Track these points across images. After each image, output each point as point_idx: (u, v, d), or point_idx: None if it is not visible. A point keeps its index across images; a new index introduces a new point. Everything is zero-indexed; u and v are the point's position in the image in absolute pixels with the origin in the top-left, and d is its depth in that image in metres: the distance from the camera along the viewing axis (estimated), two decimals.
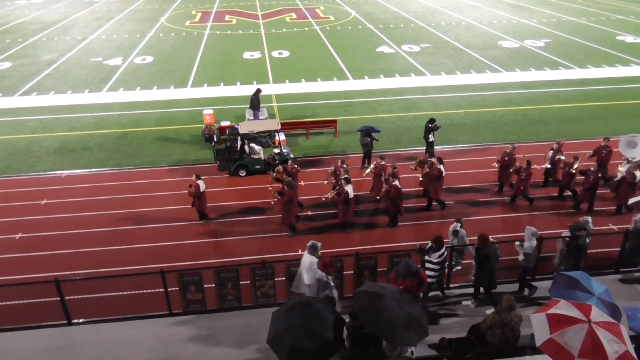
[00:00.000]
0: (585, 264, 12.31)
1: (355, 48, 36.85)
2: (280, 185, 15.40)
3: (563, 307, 8.02)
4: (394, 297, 8.44)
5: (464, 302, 12.00)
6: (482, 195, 17.48)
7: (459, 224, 12.88)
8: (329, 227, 15.80)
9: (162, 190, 17.78)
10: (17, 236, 15.58)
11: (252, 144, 19.51)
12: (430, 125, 19.51)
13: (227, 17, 49.42)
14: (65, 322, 11.61)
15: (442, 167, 15.96)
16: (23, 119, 24.79)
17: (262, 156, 19.26)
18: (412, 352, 9.36)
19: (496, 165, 17.23)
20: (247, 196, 17.59)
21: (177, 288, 11.62)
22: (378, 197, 16.62)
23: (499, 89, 28.17)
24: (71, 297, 11.57)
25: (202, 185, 15.38)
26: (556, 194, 17.19)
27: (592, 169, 15.87)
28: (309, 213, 16.47)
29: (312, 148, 21.42)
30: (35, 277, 13.27)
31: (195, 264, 13.53)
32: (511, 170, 16.76)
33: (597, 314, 7.83)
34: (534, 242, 11.74)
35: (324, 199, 15.85)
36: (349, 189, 14.87)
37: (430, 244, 11.55)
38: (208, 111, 21.88)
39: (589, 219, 12.99)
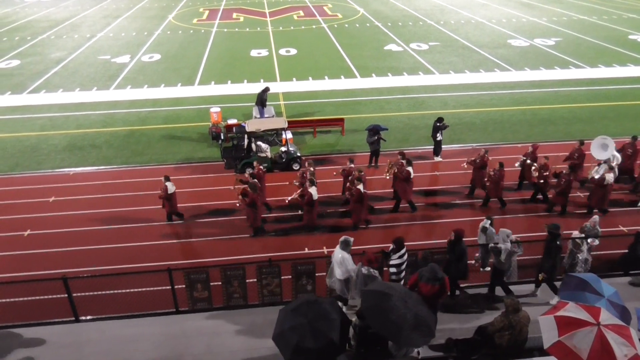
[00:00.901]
0: (559, 265, 12.12)
1: (363, 46, 36.75)
2: (244, 186, 15.18)
3: (572, 310, 7.94)
4: (401, 298, 8.38)
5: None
6: (456, 197, 17.38)
7: (489, 222, 12.81)
8: (294, 229, 15.68)
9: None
10: (26, 233, 15.66)
11: (259, 142, 19.50)
12: (438, 124, 19.41)
13: (234, 15, 49.44)
14: (73, 319, 11.64)
15: (411, 169, 15.80)
16: (32, 117, 24.91)
17: (269, 154, 19.24)
18: (418, 352, 9.32)
19: (465, 166, 17.08)
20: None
21: (184, 286, 11.62)
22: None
23: (508, 88, 27.98)
24: (79, 294, 11.60)
25: (170, 187, 15.31)
26: (529, 197, 17.09)
27: (564, 171, 15.68)
28: (299, 212, 16.36)
29: (319, 146, 21.37)
30: (43, 274, 13.34)
31: (202, 262, 13.56)
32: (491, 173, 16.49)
33: (607, 317, 7.74)
34: (509, 245, 11.60)
35: (287, 200, 15.82)
36: (313, 190, 14.75)
37: (392, 246, 11.42)
38: (215, 109, 21.89)
39: (597, 218, 12.87)
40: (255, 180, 15.39)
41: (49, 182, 18.59)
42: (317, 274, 11.94)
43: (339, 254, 11.03)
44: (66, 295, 11.29)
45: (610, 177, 15.31)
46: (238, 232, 15.53)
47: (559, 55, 33.73)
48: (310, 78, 30.04)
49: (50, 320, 11.70)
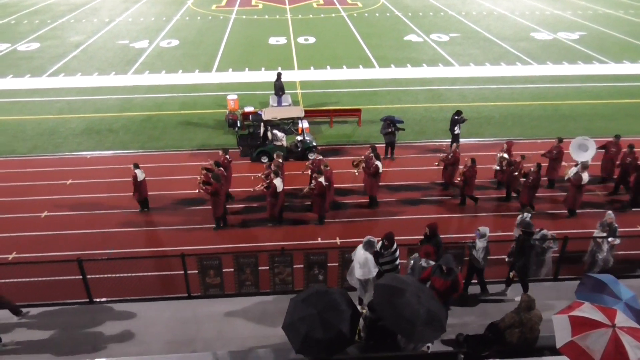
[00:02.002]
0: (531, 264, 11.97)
1: (383, 36, 36.39)
2: (207, 174, 14.98)
3: (587, 310, 7.80)
4: (414, 293, 8.30)
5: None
6: (428, 193, 17.13)
7: (529, 215, 12.67)
8: (257, 220, 15.58)
9: (184, 174, 17.84)
10: (43, 215, 15.85)
11: (275, 131, 19.45)
12: (456, 118, 19.17)
13: (253, 2, 49.25)
14: (87, 300, 11.77)
15: (379, 164, 15.59)
16: (50, 100, 25.15)
17: (284, 143, 19.19)
18: (428, 346, 9.24)
19: (437, 165, 16.82)
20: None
21: (197, 272, 11.68)
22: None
23: (529, 82, 27.52)
24: (93, 276, 11.72)
25: (139, 175, 15.29)
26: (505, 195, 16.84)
27: (532, 169, 15.32)
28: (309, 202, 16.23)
29: (335, 137, 21.27)
30: (59, 255, 13.49)
31: (215, 249, 13.60)
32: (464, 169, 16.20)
33: (623, 319, 7.59)
34: (485, 243, 11.42)
35: (252, 190, 15.62)
36: (277, 182, 14.56)
37: (382, 241, 11.25)
38: (232, 96, 21.88)
39: (612, 214, 12.61)
40: (221, 169, 15.22)
41: (66, 165, 18.78)
42: (329, 264, 11.92)
43: (362, 254, 10.72)
44: (81, 276, 11.42)
45: (585, 176, 14.99)
46: (252, 219, 15.56)
47: (582, 50, 33.07)
48: (328, 67, 29.86)
49: (65, 301, 11.85)
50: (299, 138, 19.29)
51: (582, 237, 13.30)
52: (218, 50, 33.31)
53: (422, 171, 18.24)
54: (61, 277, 12.07)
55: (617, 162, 16.85)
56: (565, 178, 15.43)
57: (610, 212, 12.70)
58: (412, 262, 11.11)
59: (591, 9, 45.65)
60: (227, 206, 15.72)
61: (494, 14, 43.50)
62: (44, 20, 41.31)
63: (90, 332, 10.85)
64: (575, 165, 15.26)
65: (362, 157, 16.31)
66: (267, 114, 18.73)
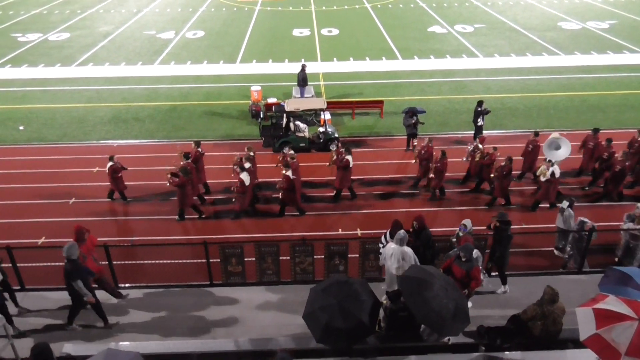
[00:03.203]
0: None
1: (406, 27, 36.06)
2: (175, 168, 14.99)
3: (612, 303, 7.68)
4: (442, 286, 8.26)
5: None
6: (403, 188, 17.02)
7: (568, 204, 12.64)
8: (224, 213, 15.63)
9: (208, 164, 18.03)
10: (71, 201, 16.25)
11: (298, 122, 19.54)
12: (479, 109, 18.95)
13: None
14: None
15: (349, 158, 15.43)
16: (79, 89, 25.65)
17: (307, 134, 19.26)
18: (449, 338, 9.24)
19: (415, 162, 16.62)
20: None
21: (219, 260, 11.85)
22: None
23: (556, 73, 27.01)
24: (118, 262, 12.00)
25: (115, 166, 15.43)
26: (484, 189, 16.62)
27: (503, 163, 15.08)
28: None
29: (357, 128, 21.25)
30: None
31: (237, 238, 13.78)
32: (431, 164, 16.09)
33: None
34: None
35: (277, 186, 15.38)
36: (244, 176, 14.49)
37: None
38: (256, 87, 22.01)
39: None
40: (189, 161, 15.25)
41: (93, 153, 19.18)
42: (349, 255, 11.98)
43: (398, 252, 10.40)
44: (107, 262, 11.69)
45: (557, 170, 14.74)
46: (272, 209, 15.70)
47: (612, 39, 32.27)
48: (351, 59, 29.76)
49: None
50: (321, 129, 19.33)
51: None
52: (242, 41, 33.46)
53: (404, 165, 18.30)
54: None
55: (595, 156, 16.58)
56: (542, 179, 15.04)
57: (639, 204, 12.48)
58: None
59: None
60: (206, 197, 16.09)
61: (521, 3, 42.66)
62: (74, 10, 42.02)
63: (115, 317, 11.11)
64: (551, 165, 14.90)
65: (334, 150, 16.29)
66: (289, 105, 18.81)
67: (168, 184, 14.93)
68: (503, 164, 15.17)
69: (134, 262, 13.04)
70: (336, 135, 19.26)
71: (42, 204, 16.13)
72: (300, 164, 17.69)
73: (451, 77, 26.58)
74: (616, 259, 12.70)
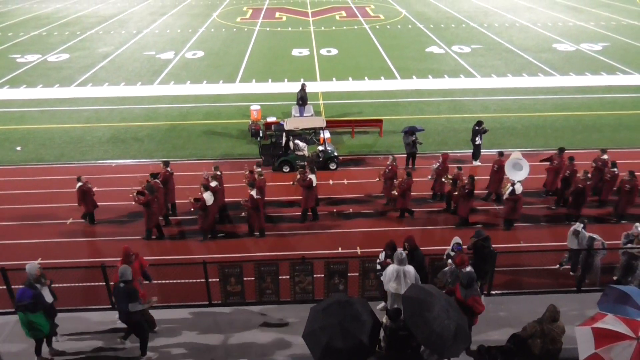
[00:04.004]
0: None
1: (404, 47, 36.50)
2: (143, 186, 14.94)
3: (610, 322, 7.71)
4: (443, 307, 8.26)
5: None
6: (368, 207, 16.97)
7: (582, 225, 12.63)
8: (190, 232, 15.57)
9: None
10: (68, 222, 16.21)
11: (297, 141, 19.66)
12: (477, 128, 19.12)
13: (277, 14, 49.87)
14: (109, 306, 11.97)
15: (313, 177, 15.41)
16: (78, 109, 25.78)
17: (306, 153, 19.36)
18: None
19: (378, 179, 16.63)
20: (290, 192, 17.73)
21: (218, 279, 11.82)
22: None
23: (552, 93, 27.29)
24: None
25: (85, 186, 15.39)
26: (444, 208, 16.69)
27: (466, 182, 15.13)
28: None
29: (357, 147, 21.36)
30: (83, 262, 13.83)
31: (236, 257, 13.74)
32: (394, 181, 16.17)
33: None
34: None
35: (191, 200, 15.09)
36: (207, 196, 14.38)
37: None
38: (255, 107, 22.17)
39: (639, 226, 12.43)
40: (157, 181, 15.23)
41: (92, 173, 19.10)
42: (349, 274, 11.96)
43: (403, 272, 10.34)
44: (104, 283, 11.63)
45: (519, 187, 14.83)
46: (273, 228, 15.70)
47: (605, 61, 32.69)
48: (350, 78, 30.04)
49: (88, 306, 12.11)
50: (321, 148, 19.43)
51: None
52: (242, 61, 33.78)
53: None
54: (85, 284, 12.37)
55: (560, 175, 16.67)
56: (504, 197, 15.21)
57: (638, 224, 12.53)
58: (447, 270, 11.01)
59: (614, 20, 45.12)
60: (170, 217, 16.04)
61: (516, 25, 43.28)
62: (74, 32, 42.43)
63: (112, 338, 11.04)
64: (512, 185, 14.96)
65: (300, 169, 16.22)
66: (289, 124, 18.94)
67: (134, 202, 14.86)
68: (465, 183, 15.16)
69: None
70: (336, 153, 19.36)
71: (38, 225, 16.08)
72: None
73: (449, 97, 26.83)
74: (614, 278, 12.72)
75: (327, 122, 20.30)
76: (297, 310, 11.69)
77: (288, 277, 11.93)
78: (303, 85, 22.94)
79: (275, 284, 12.03)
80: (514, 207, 15.13)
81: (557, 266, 13.47)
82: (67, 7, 54.23)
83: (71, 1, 58.19)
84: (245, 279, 11.89)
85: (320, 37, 40.42)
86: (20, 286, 10.06)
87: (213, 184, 15.08)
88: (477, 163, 19.53)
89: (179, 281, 12.68)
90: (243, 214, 15.86)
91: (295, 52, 36.06)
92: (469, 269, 10.31)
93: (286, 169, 19.03)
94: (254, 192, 14.61)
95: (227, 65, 32.91)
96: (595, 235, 12.55)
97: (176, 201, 16.44)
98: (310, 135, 20.55)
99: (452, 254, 11.24)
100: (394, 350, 9.10)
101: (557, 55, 34.25)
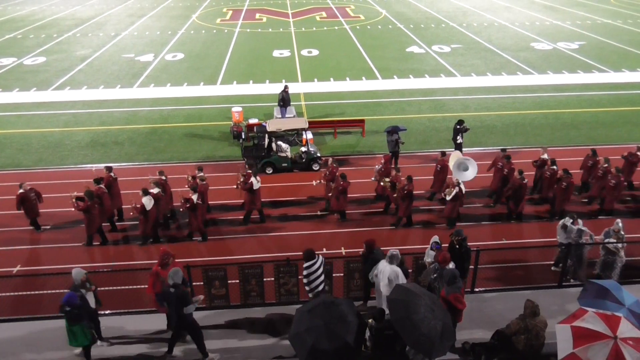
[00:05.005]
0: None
1: (385, 48, 36.67)
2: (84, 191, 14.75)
3: (590, 320, 7.84)
4: (428, 307, 8.30)
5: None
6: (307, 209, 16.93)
7: (571, 220, 12.74)
8: (131, 238, 15.41)
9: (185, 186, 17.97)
10: (48, 227, 15.93)
11: (280, 142, 19.61)
12: (458, 127, 19.29)
13: (257, 16, 49.72)
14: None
15: (254, 180, 15.33)
16: (56, 113, 25.38)
17: (289, 154, 19.33)
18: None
19: (317, 182, 16.70)
20: (272, 194, 17.70)
21: (202, 283, 11.74)
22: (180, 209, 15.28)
23: (531, 91, 27.66)
24: (99, 289, 11.76)
25: (28, 194, 15.19)
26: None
27: (406, 183, 15.21)
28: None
29: (340, 147, 21.39)
30: (62, 268, 13.51)
31: (221, 260, 13.67)
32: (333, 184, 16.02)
33: (626, 329, 7.61)
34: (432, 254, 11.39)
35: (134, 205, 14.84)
36: (146, 200, 14.27)
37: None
38: (237, 108, 22.08)
39: (620, 222, 12.65)
40: (101, 186, 15.11)
41: (71, 178, 18.87)
42: (334, 275, 11.97)
43: (388, 268, 10.46)
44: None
45: (462, 187, 15.06)
46: (256, 230, 15.65)
47: (582, 59, 33.25)
48: (331, 79, 30.08)
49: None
50: (304, 149, 19.42)
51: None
52: (223, 63, 33.61)
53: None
54: (64, 291, 12.15)
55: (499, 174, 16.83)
56: (447, 199, 15.28)
57: (618, 220, 12.75)
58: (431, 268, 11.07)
59: (590, 19, 45.92)
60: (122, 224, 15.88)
61: (495, 25, 43.79)
62: (50, 34, 41.78)
63: (96, 345, 10.90)
64: (458, 185, 15.08)
65: (241, 172, 16.04)
66: (271, 126, 18.90)
67: (74, 209, 14.63)
68: (405, 184, 15.17)
69: (113, 287, 12.80)
70: (318, 154, 19.37)
71: (15, 231, 15.77)
72: (282, 184, 17.73)
73: (430, 96, 27.02)
74: (594, 272, 12.93)
75: (310, 123, 20.31)
76: (283, 311, 11.67)
77: (273, 279, 11.89)
78: (285, 87, 22.92)
79: (260, 286, 11.98)
80: (456, 206, 15.29)
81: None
82: (43, 10, 53.36)
83: (47, 3, 57.29)
84: (230, 281, 11.81)
85: (301, 38, 40.40)
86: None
87: (155, 190, 14.87)
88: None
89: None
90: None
91: (276, 53, 35.99)
92: (451, 266, 10.41)
93: (269, 170, 18.98)
94: (194, 197, 14.46)
95: (208, 67, 32.71)
96: (584, 228, 12.73)
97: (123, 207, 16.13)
98: (292, 136, 20.52)
99: (433, 252, 11.33)
100: (380, 351, 9.14)
101: (535, 54, 34.73)
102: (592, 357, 7.42)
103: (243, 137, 20.52)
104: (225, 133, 22.46)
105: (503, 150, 17.49)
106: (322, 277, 10.89)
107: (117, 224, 15.91)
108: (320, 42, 38.61)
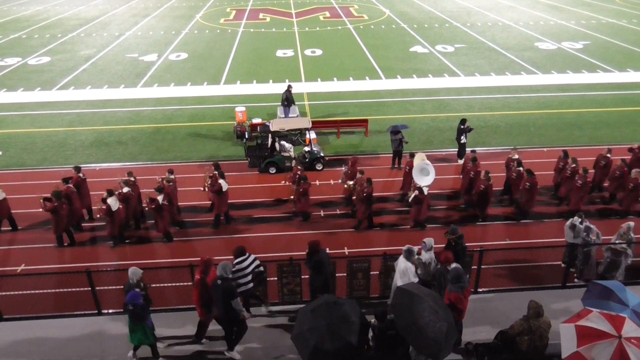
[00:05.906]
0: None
1: (389, 47, 36.63)
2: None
3: (594, 320, 7.80)
4: (432, 309, 8.25)
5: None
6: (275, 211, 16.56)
7: (579, 219, 12.70)
8: (100, 238, 15.37)
9: (193, 186, 17.98)
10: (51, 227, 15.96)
11: (283, 142, 19.63)
12: (461, 127, 19.26)
13: (261, 15, 49.75)
14: (96, 312, 11.88)
15: (222, 182, 15.25)
16: (60, 113, 25.47)
17: (292, 154, 19.34)
18: None
19: (284, 182, 16.61)
20: (274, 193, 17.71)
21: (164, 284, 11.79)
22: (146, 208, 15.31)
23: (535, 91, 27.59)
24: (102, 287, 11.83)
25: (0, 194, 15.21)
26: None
27: (365, 185, 15.07)
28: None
29: (343, 147, 21.39)
30: (68, 267, 13.66)
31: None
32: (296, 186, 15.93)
33: (630, 329, 7.58)
34: (432, 254, 11.31)
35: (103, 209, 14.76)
36: (111, 201, 14.22)
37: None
38: (240, 108, 22.08)
39: (632, 224, 12.59)
40: (70, 186, 15.10)
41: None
42: (337, 274, 11.97)
43: (402, 263, 10.68)
44: (90, 288, 11.51)
45: (425, 190, 15.02)
46: (265, 229, 15.67)
47: (586, 59, 33.13)
48: (335, 79, 30.07)
49: (74, 312, 11.96)
50: (307, 149, 19.42)
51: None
52: (226, 63, 33.64)
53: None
54: (70, 289, 12.22)
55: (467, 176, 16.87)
56: (409, 201, 15.31)
57: (631, 223, 12.68)
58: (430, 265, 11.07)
59: (595, 19, 45.76)
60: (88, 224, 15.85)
61: (499, 24, 43.68)
62: (55, 34, 41.91)
63: (98, 344, 10.94)
64: (418, 189, 15.02)
65: (209, 174, 15.91)
66: (274, 125, 18.91)
67: (41, 209, 14.60)
68: (364, 187, 15.07)
69: (116, 287, 12.83)
70: (322, 154, 19.37)
71: (20, 231, 15.83)
72: (280, 184, 17.61)
73: (434, 96, 26.98)
74: (598, 272, 12.88)
75: (313, 122, 20.29)
76: (285, 311, 11.68)
77: (276, 278, 11.90)
78: (289, 87, 22.93)
79: (263, 286, 11.99)
80: (421, 209, 15.26)
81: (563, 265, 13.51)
82: (48, 10, 53.54)
83: (51, 3, 57.47)
84: None
85: (305, 37, 40.40)
86: None
87: (125, 189, 14.88)
88: (462, 162, 19.65)
89: (167, 285, 12.60)
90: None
91: (280, 53, 36.00)
92: (454, 265, 10.38)
93: (272, 170, 18.99)
94: (160, 197, 14.46)
95: (211, 66, 32.75)
96: (592, 226, 12.67)
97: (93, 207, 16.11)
98: (296, 136, 20.53)
99: (425, 254, 11.26)
100: (382, 351, 9.13)
101: (539, 53, 34.63)
102: (596, 356, 7.39)
103: (246, 136, 20.54)
104: (228, 133, 22.48)
105: (472, 152, 17.51)
106: (250, 277, 10.92)
107: (86, 224, 15.88)
108: (323, 42, 38.60)
